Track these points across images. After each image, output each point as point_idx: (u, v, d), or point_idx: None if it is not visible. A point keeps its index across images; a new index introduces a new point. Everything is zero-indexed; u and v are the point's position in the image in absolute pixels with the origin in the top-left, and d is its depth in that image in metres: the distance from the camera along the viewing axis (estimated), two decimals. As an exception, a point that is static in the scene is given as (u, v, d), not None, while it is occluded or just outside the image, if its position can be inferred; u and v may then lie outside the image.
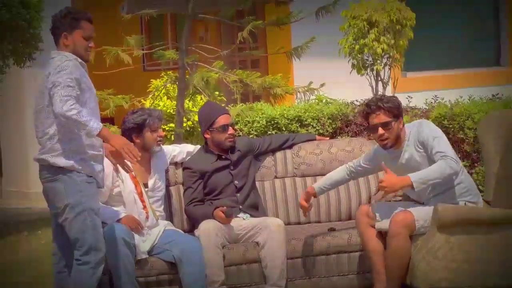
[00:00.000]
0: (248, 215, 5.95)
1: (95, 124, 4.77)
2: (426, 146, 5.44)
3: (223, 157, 6.05)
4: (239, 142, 6.18)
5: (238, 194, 6.00)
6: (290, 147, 6.48)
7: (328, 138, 6.72)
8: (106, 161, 5.27)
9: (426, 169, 5.35)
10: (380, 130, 5.52)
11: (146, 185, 5.82)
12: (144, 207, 5.70)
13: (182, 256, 5.47)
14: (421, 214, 5.44)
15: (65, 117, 4.72)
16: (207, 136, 6.08)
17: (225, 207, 5.77)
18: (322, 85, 7.74)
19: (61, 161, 4.89)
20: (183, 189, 6.13)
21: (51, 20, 5.07)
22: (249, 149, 6.19)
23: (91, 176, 4.98)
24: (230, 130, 6.05)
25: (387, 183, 5.32)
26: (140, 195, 5.71)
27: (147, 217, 5.68)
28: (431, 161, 5.40)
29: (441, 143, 5.39)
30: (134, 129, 5.81)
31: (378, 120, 5.52)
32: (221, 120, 6.04)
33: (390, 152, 5.61)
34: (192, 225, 6.06)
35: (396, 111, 5.52)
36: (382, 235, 5.56)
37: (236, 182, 6.02)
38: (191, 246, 5.53)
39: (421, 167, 5.43)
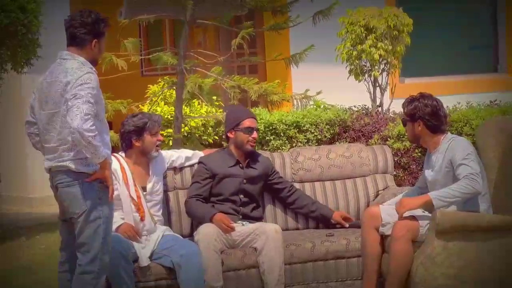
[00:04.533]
0: (247, 222, 5.95)
1: (103, 152, 4.77)
2: (454, 166, 5.48)
3: (241, 165, 6.05)
4: (260, 161, 6.16)
5: (241, 208, 6.00)
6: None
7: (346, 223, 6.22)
8: None
9: (449, 187, 5.41)
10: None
11: (144, 189, 5.83)
12: (139, 209, 5.70)
13: (181, 261, 5.47)
14: (426, 220, 5.45)
15: (81, 135, 4.67)
16: (230, 135, 6.08)
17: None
18: (318, 93, 7.76)
19: (83, 167, 4.84)
20: (190, 183, 6.10)
21: (74, 22, 4.90)
22: (266, 172, 6.15)
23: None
24: (254, 134, 6.04)
25: (405, 200, 5.46)
26: (138, 198, 5.72)
27: (141, 219, 5.68)
28: (455, 181, 5.45)
29: (469, 165, 5.41)
30: (134, 132, 5.81)
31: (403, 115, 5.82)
32: (248, 122, 6.04)
33: (429, 158, 5.73)
34: (190, 228, 6.07)
35: (413, 115, 5.64)
36: (383, 240, 5.57)
37: (241, 196, 6.01)
38: (190, 252, 5.53)
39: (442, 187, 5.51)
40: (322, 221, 6.24)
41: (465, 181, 5.33)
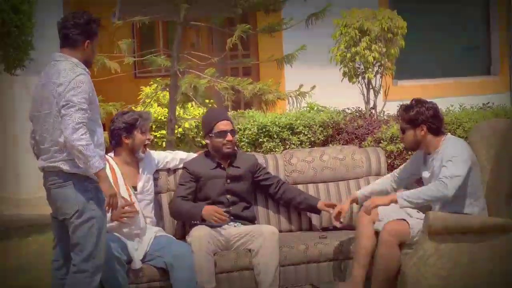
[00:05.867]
0: (239, 223, 5.95)
1: (97, 163, 4.74)
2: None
3: (222, 166, 6.04)
4: (244, 159, 6.13)
5: (231, 208, 5.99)
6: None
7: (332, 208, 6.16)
8: None
9: (418, 189, 5.46)
10: (400, 134, 5.81)
11: (135, 188, 5.82)
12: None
13: (173, 261, 5.47)
14: (418, 221, 5.46)
15: (71, 145, 4.68)
16: (207, 141, 6.08)
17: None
18: (313, 87, 7.73)
19: (75, 168, 4.83)
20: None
21: (66, 23, 4.91)
22: (251, 169, 6.12)
23: None
24: (229, 137, 6.00)
25: (374, 199, 5.51)
26: (129, 197, 5.71)
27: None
28: None
29: (448, 167, 5.41)
30: (125, 129, 5.82)
31: (400, 124, 5.80)
32: (220, 125, 6.01)
33: (426, 159, 5.71)
34: (183, 230, 6.05)
35: (415, 120, 5.62)
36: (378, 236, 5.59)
37: (228, 196, 6.00)
38: (183, 252, 5.52)
39: None
40: (310, 211, 6.21)
41: (435, 184, 5.38)
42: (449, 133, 5.75)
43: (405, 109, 5.73)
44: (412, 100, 5.75)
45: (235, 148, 6.17)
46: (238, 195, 6.03)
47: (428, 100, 5.73)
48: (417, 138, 5.65)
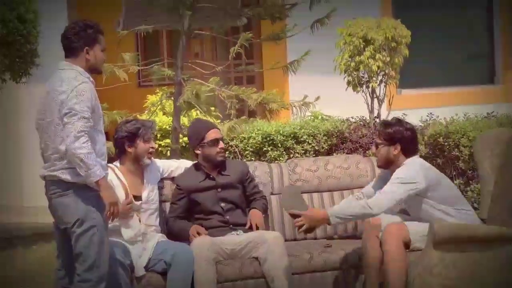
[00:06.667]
0: (241, 231, 5.94)
1: (98, 171, 4.75)
2: None
3: (211, 176, 6.04)
4: (233, 167, 6.14)
5: (228, 216, 5.99)
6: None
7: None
8: None
9: (348, 205, 5.60)
10: (373, 148, 5.84)
11: (140, 198, 5.82)
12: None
13: (172, 260, 5.49)
14: (418, 228, 5.53)
15: (72, 153, 4.70)
16: (197, 152, 6.07)
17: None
18: (317, 98, 7.74)
19: (74, 177, 4.84)
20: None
21: (66, 33, 4.98)
22: (241, 177, 6.13)
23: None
24: (221, 145, 6.03)
25: (306, 219, 5.46)
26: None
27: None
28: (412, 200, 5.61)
29: (386, 186, 5.53)
30: (127, 138, 5.83)
31: (376, 138, 5.81)
32: (211, 134, 6.04)
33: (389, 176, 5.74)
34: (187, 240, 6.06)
35: (392, 138, 5.68)
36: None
37: (222, 204, 5.99)
38: (183, 251, 5.54)
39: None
40: None
41: (364, 201, 5.50)
42: (412, 158, 5.72)
43: (384, 125, 5.79)
44: (393, 118, 5.84)
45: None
46: (232, 202, 6.03)
47: (409, 122, 5.83)
48: (389, 155, 5.71)
